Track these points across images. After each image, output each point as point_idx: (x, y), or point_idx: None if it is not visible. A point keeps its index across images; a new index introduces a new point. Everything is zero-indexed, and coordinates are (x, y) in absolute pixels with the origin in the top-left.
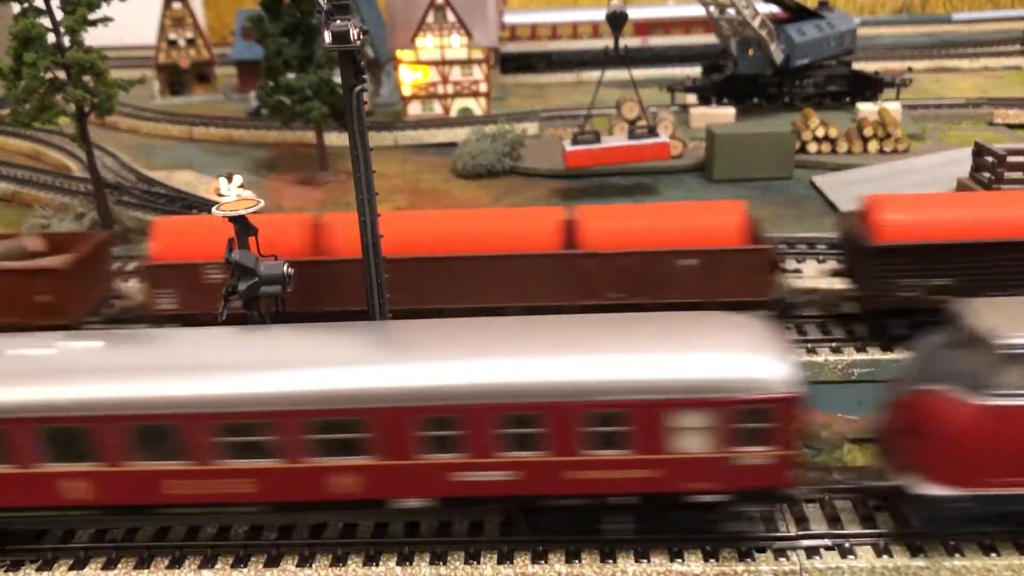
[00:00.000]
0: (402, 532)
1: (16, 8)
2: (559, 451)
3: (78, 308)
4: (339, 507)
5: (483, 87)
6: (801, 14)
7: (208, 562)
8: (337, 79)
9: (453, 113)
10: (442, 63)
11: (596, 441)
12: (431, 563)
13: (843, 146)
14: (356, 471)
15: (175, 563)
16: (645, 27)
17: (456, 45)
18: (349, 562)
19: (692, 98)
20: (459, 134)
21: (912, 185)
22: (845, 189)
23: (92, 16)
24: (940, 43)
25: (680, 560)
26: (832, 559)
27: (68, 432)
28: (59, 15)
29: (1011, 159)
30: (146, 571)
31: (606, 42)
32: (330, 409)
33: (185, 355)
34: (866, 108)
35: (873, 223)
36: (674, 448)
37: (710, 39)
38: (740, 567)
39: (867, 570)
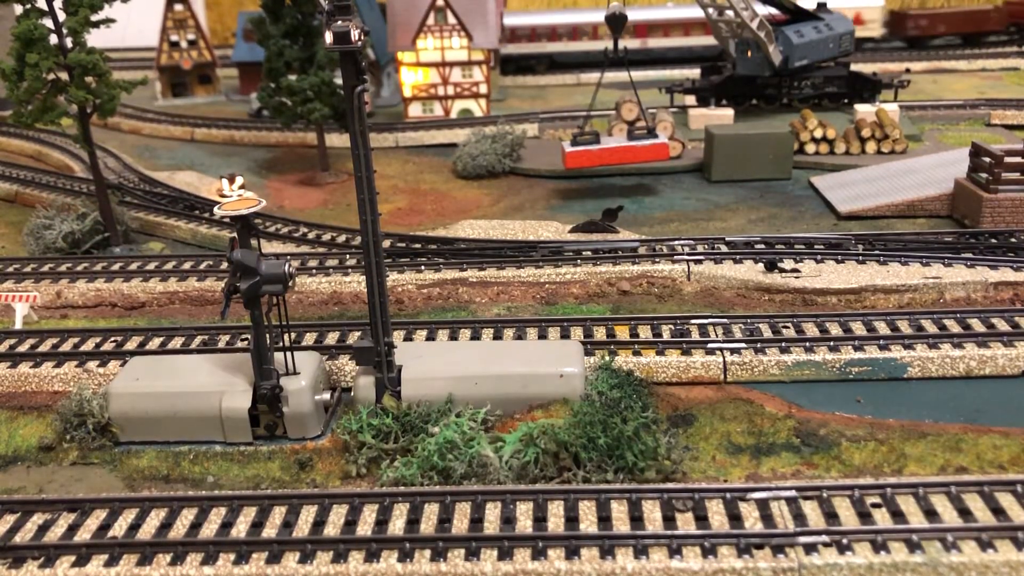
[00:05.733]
0: (403, 529)
1: (18, 9)
2: None
3: None
4: None
5: (483, 88)
6: (799, 16)
7: (210, 559)
8: (338, 80)
9: (453, 114)
10: (442, 65)
11: None
12: (431, 560)
13: (841, 147)
14: None
15: (177, 559)
16: (644, 29)
17: (456, 47)
18: (350, 559)
19: (691, 99)
20: (459, 135)
21: (910, 186)
22: (842, 190)
23: (94, 18)
24: (938, 44)
25: (679, 557)
26: (830, 555)
27: None
28: (61, 16)
29: (1008, 160)
30: (148, 567)
31: (606, 44)
32: None
33: None
34: (864, 109)
35: None
36: None
37: (709, 41)
38: (739, 564)
39: (865, 566)
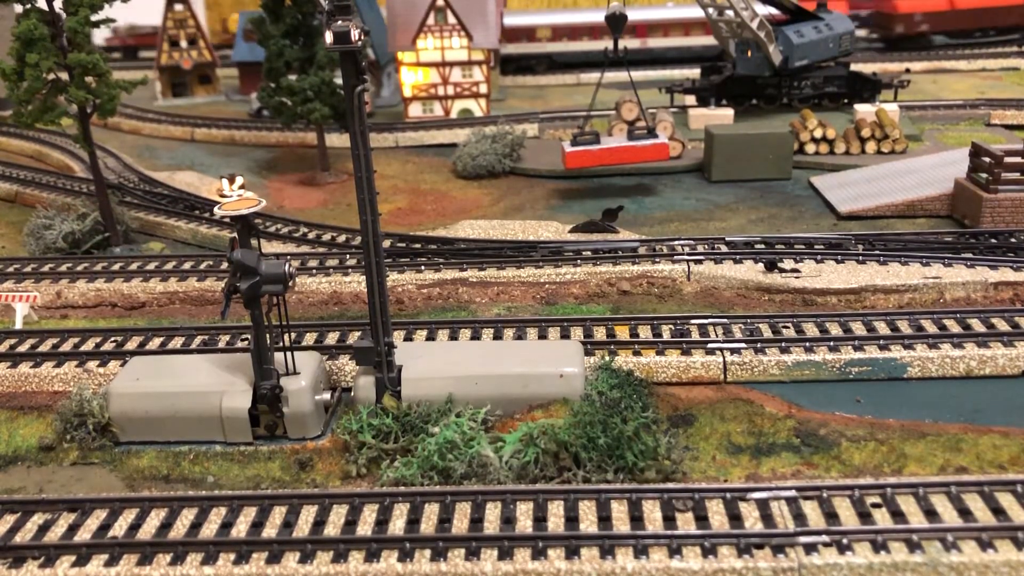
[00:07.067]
0: (403, 529)
1: (19, 9)
2: None
3: None
4: None
5: (483, 88)
6: (799, 16)
7: (210, 559)
8: (338, 80)
9: (453, 114)
10: (442, 64)
11: None
12: (431, 559)
13: (841, 147)
14: None
15: (177, 559)
16: (644, 29)
17: (456, 47)
18: (350, 559)
19: (691, 99)
20: (459, 135)
21: (910, 186)
22: (842, 190)
23: (94, 17)
24: (937, 44)
25: (679, 556)
26: (830, 555)
27: None
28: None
29: (1008, 160)
30: (148, 567)
31: (606, 44)
32: None
33: None
34: (864, 109)
35: None
36: None
37: (709, 41)
38: (739, 564)
39: (865, 566)
